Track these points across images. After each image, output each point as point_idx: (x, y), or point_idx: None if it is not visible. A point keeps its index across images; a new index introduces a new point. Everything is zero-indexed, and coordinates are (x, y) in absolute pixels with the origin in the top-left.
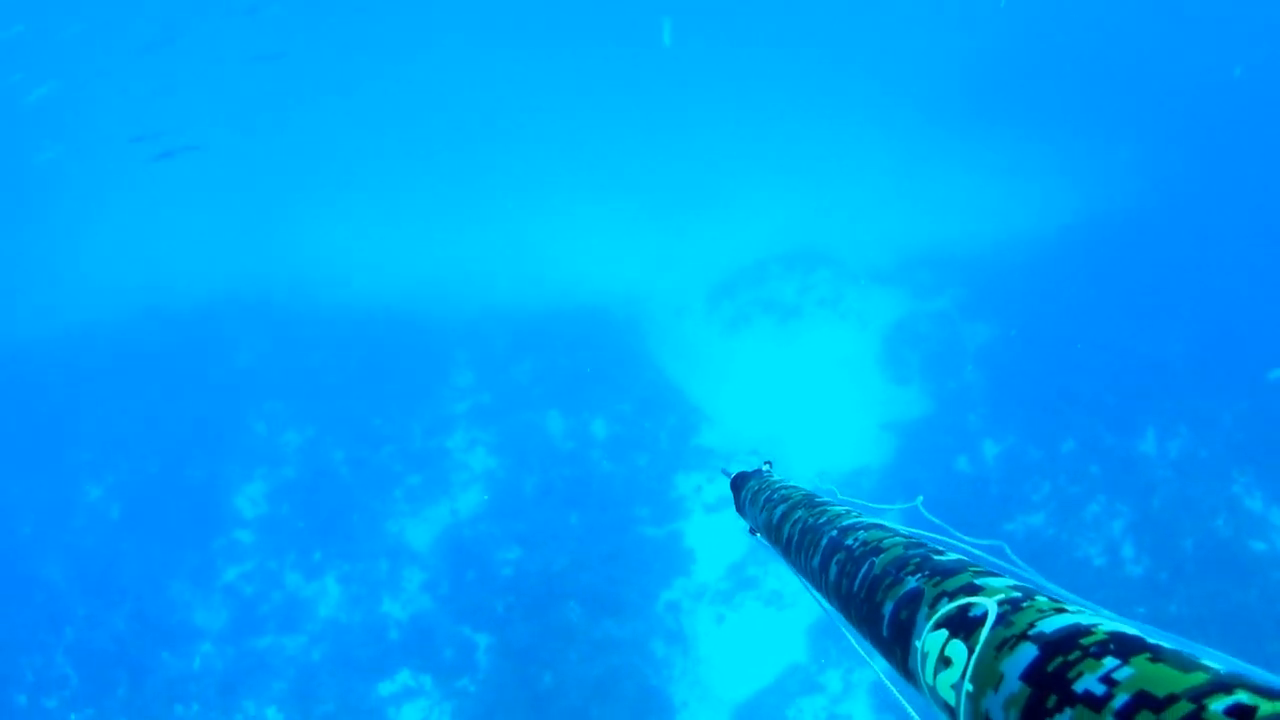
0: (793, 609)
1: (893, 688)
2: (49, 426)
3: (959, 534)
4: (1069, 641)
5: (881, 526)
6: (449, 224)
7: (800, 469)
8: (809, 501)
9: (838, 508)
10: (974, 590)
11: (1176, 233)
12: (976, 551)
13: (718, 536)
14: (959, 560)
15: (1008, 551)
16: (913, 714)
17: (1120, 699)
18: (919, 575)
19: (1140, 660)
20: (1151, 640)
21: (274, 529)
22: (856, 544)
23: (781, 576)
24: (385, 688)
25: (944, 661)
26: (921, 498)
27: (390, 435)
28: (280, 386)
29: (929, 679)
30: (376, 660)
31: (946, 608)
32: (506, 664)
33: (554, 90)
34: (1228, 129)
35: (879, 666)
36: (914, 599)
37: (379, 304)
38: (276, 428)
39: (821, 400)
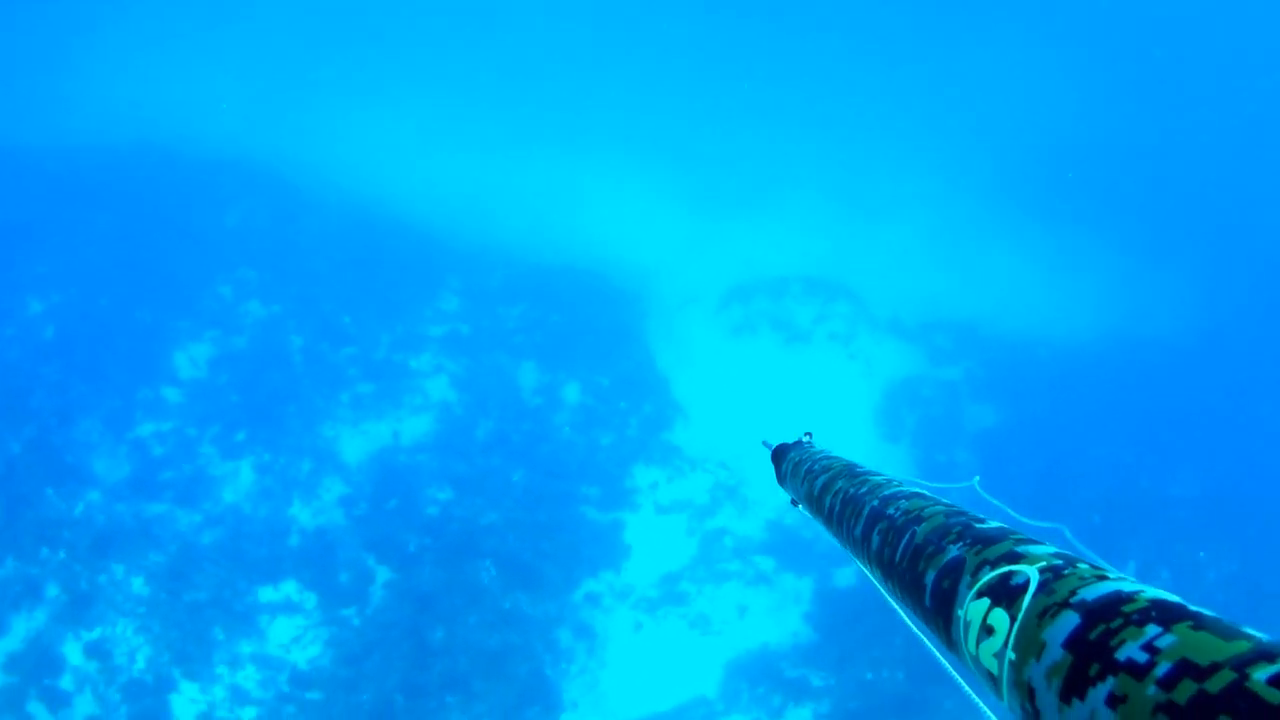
0: (717, 637)
1: (943, 660)
2: (9, 230)
3: (1017, 514)
4: (1111, 609)
5: (923, 495)
6: (482, 146)
7: (769, 497)
8: (850, 472)
9: (879, 478)
10: (1015, 558)
11: (1213, 376)
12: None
13: (660, 540)
14: (1001, 528)
15: (1067, 535)
16: (966, 688)
17: (1163, 667)
18: (961, 544)
19: (1182, 628)
20: (1193, 608)
21: (205, 396)
22: (898, 513)
23: (715, 600)
24: (266, 594)
25: (986, 630)
26: (978, 478)
27: (356, 337)
28: (260, 256)
29: (972, 648)
30: (267, 563)
31: (988, 576)
32: (401, 606)
33: (625, 46)
34: None
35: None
36: (956, 567)
37: (386, 203)
38: (242, 295)
39: (805, 434)
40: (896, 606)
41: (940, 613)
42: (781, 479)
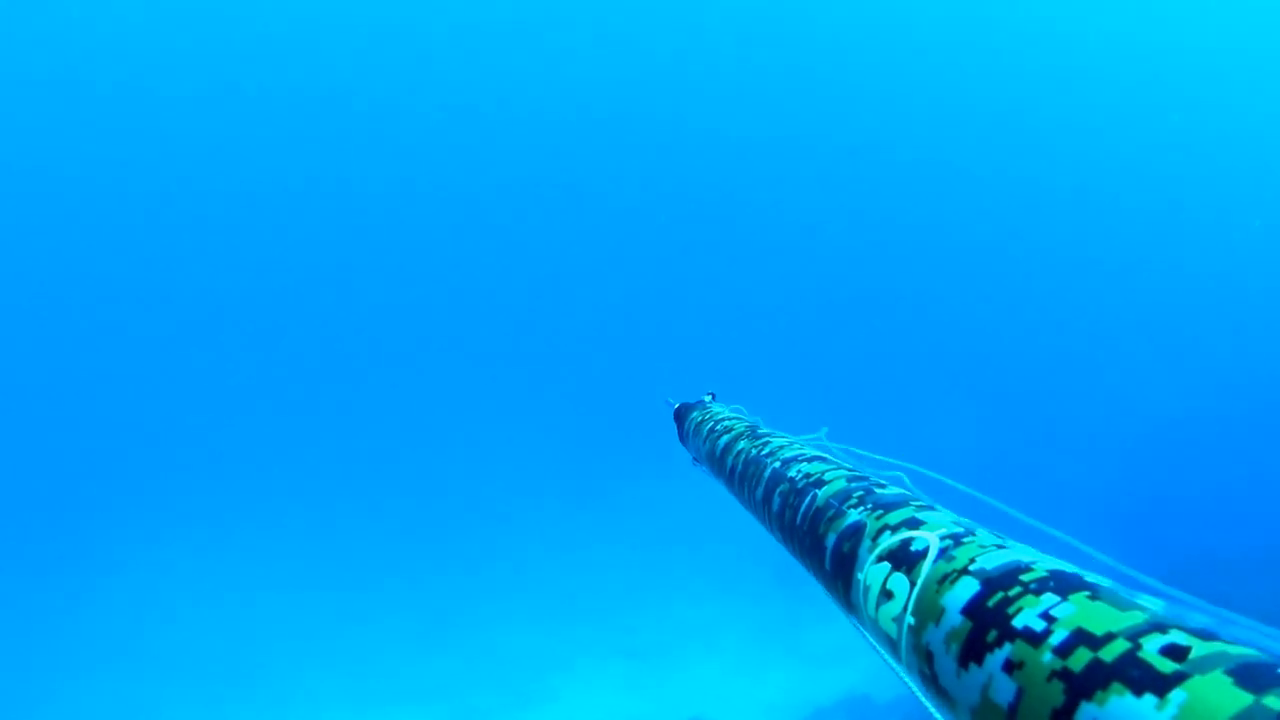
0: None
1: (857, 627)
2: None
3: (867, 453)
4: (1009, 577)
5: (824, 459)
6: None
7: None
8: (752, 433)
9: (781, 439)
10: (916, 524)
11: None
12: (887, 471)
13: None
14: (901, 494)
15: (905, 480)
16: (877, 648)
17: (1059, 635)
18: (861, 508)
19: (1079, 597)
20: (1089, 578)
21: None
22: (799, 476)
23: None
24: None
25: (886, 595)
26: (826, 429)
27: None
28: None
29: (871, 612)
30: None
31: (889, 541)
32: None
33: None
34: None
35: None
36: (856, 532)
37: None
38: None
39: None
40: (807, 571)
41: (840, 576)
42: (683, 438)
